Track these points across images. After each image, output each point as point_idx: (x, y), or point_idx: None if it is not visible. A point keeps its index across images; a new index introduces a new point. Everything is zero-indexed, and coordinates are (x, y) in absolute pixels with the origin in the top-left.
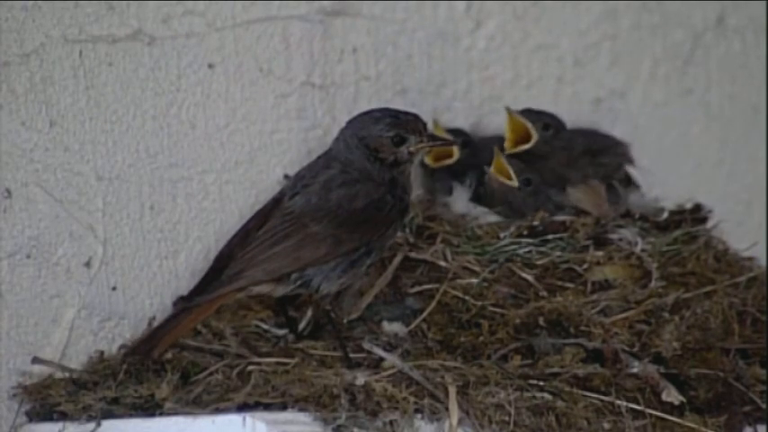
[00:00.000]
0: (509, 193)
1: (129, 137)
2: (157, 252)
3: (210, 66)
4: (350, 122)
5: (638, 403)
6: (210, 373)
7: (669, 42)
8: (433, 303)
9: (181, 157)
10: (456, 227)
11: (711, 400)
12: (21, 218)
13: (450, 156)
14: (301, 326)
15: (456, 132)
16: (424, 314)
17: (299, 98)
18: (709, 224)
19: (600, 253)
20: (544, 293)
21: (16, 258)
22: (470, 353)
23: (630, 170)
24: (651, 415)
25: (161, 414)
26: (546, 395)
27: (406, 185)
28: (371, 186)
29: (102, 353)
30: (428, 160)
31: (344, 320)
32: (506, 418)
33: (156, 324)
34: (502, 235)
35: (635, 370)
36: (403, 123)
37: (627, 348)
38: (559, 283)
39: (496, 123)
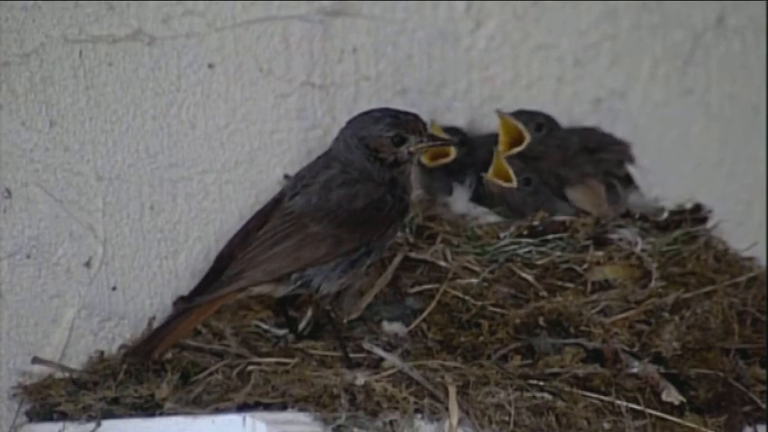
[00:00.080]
0: (508, 194)
1: (129, 137)
2: (157, 252)
3: (210, 66)
4: (350, 122)
5: (638, 403)
6: (210, 373)
7: (669, 42)
8: (433, 303)
9: (181, 157)
10: (456, 227)
11: (711, 400)
12: (21, 218)
13: (447, 155)
14: (301, 326)
15: (453, 131)
16: (424, 314)
17: (299, 98)
18: (710, 224)
19: (600, 253)
20: (544, 293)
21: (16, 258)
22: (470, 353)
23: (630, 170)
24: (651, 415)
25: (161, 414)
26: (546, 395)
27: (406, 185)
28: (371, 186)
29: (102, 353)
30: (425, 159)
31: (344, 320)
32: (506, 418)
33: (156, 324)
34: (502, 235)
35: (635, 370)
36: (403, 123)
37: (627, 348)
38: (559, 283)
39: (494, 123)
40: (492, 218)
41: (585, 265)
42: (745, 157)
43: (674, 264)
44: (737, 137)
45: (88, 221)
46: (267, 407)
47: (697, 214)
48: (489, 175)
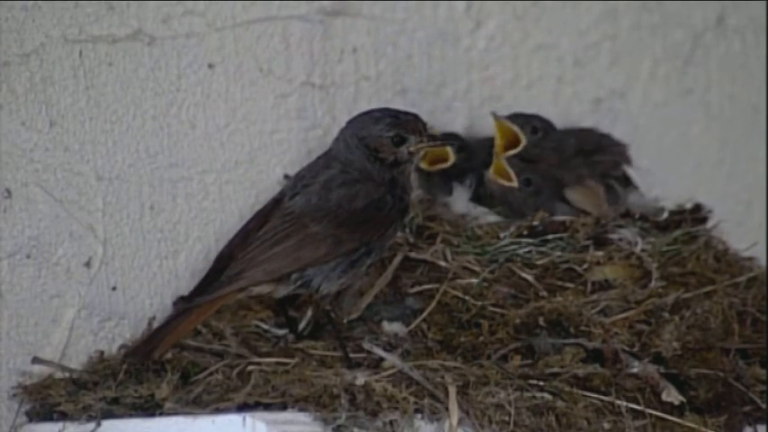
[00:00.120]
0: (509, 194)
1: (129, 137)
2: (157, 252)
3: (210, 66)
4: (350, 122)
5: (638, 403)
6: (210, 373)
7: (669, 42)
8: (433, 303)
9: (181, 157)
10: (456, 227)
11: (711, 400)
12: (21, 218)
13: (446, 160)
14: (301, 326)
15: (451, 137)
16: (424, 314)
17: (299, 98)
18: (710, 224)
19: (600, 253)
20: (544, 293)
21: (16, 258)
22: (470, 353)
23: (629, 170)
24: (651, 415)
25: (161, 414)
26: (546, 395)
27: (406, 185)
28: (371, 186)
29: (102, 353)
30: (423, 164)
31: (344, 320)
32: (506, 418)
33: (156, 324)
34: (502, 235)
35: (635, 370)
36: (403, 123)
37: (627, 348)
38: (559, 283)
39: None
40: (492, 218)
41: (585, 265)
42: (745, 157)
43: (674, 264)
44: (737, 137)
45: (88, 221)
46: (267, 407)
47: (697, 214)
48: (491, 173)
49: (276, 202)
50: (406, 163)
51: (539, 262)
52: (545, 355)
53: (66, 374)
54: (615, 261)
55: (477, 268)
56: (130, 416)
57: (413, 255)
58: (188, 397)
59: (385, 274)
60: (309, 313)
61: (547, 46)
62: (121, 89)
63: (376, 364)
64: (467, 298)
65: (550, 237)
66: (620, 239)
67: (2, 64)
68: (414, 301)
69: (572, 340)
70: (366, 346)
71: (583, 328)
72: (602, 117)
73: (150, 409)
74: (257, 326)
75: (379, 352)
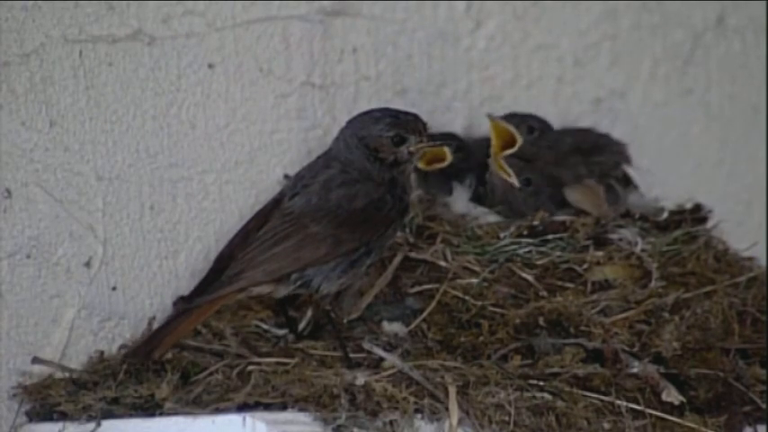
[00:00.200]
0: (509, 193)
1: (129, 137)
2: (157, 252)
3: (210, 66)
4: (350, 122)
5: (638, 403)
6: (210, 373)
7: (669, 42)
8: (433, 303)
9: (181, 157)
10: (456, 227)
11: (711, 400)
12: (21, 218)
13: (443, 159)
14: (301, 326)
15: (449, 137)
16: (424, 314)
17: (299, 98)
18: (710, 224)
19: (600, 253)
20: (544, 293)
21: (16, 258)
22: (470, 353)
23: (629, 170)
24: (651, 415)
25: (161, 414)
26: (546, 395)
27: (405, 185)
28: (371, 186)
29: (102, 353)
30: (420, 164)
31: (344, 320)
32: (506, 418)
33: (156, 324)
34: (502, 235)
35: (635, 370)
36: (403, 123)
37: (627, 348)
38: (559, 283)
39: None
40: (492, 218)
41: (585, 265)
42: (745, 157)
43: (674, 264)
44: (737, 137)
45: (88, 221)
46: (267, 407)
47: (697, 214)
48: (494, 167)
49: (276, 202)
50: (405, 163)
51: (539, 262)
52: (545, 355)
53: (66, 374)
54: (615, 261)
55: (477, 268)
56: (130, 416)
57: (413, 255)
58: (188, 397)
59: (385, 274)
60: (309, 313)
61: (547, 46)
62: (121, 89)
63: (376, 364)
64: (467, 298)
65: (550, 237)
66: (620, 239)
67: (2, 64)
68: (414, 301)
69: (572, 340)
70: (366, 346)
71: (583, 328)
72: (602, 117)
73: (150, 409)
74: (257, 326)
75: (379, 352)
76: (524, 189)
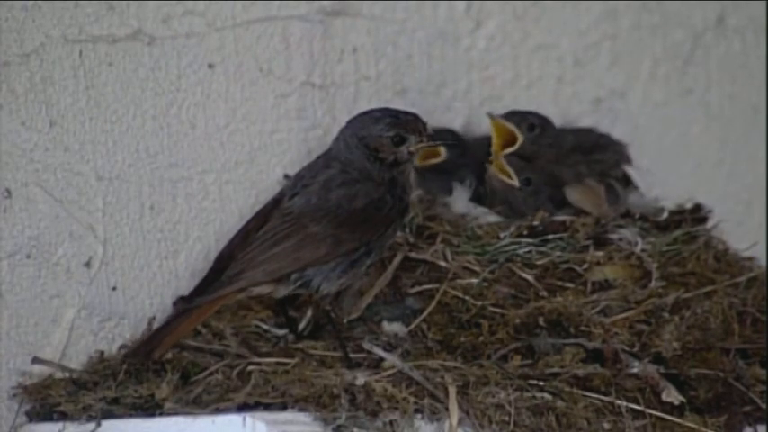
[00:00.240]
0: (509, 193)
1: (129, 137)
2: (157, 252)
3: (210, 66)
4: (350, 122)
5: (638, 403)
6: (210, 373)
7: (669, 42)
8: (433, 303)
9: (181, 157)
10: (456, 227)
11: (711, 400)
12: (21, 218)
13: (438, 155)
14: (301, 326)
15: (445, 132)
16: (424, 314)
17: (299, 98)
18: (710, 224)
19: (600, 253)
20: (544, 293)
21: (16, 258)
22: (470, 353)
23: (629, 170)
24: (651, 415)
25: (161, 414)
26: (546, 395)
27: (405, 185)
28: (371, 186)
29: (102, 353)
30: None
31: (344, 320)
32: (506, 418)
33: (156, 324)
34: (502, 235)
35: (635, 370)
36: (403, 123)
37: (627, 348)
38: (559, 283)
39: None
40: (492, 218)
41: (585, 265)
42: (745, 157)
43: (674, 264)
44: (737, 137)
45: (88, 221)
46: (267, 407)
47: (697, 214)
48: (492, 170)
49: (276, 202)
50: (406, 163)
51: (539, 262)
52: (545, 355)
53: (66, 374)
54: (615, 261)
55: (477, 268)
56: (130, 416)
57: (413, 255)
58: (188, 397)
59: (385, 274)
60: (309, 313)
61: (547, 46)
62: (121, 89)
63: (376, 364)
64: (467, 298)
65: (550, 237)
66: (620, 239)
67: (2, 64)
68: (414, 301)
69: (572, 340)
70: (366, 346)
71: (583, 328)
72: (602, 117)
73: (150, 409)
74: (257, 326)
75: (379, 352)
76: (524, 189)
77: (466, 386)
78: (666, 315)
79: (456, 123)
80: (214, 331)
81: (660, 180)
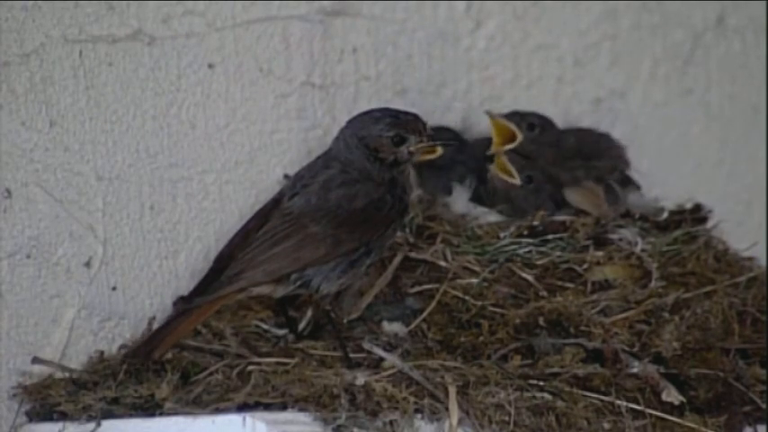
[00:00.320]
0: (511, 191)
1: (129, 137)
2: (157, 252)
3: (210, 66)
4: (350, 122)
5: (638, 403)
6: (210, 373)
7: (669, 42)
8: (433, 303)
9: (181, 157)
10: (456, 227)
11: (711, 400)
12: (21, 218)
13: (434, 151)
14: (301, 326)
15: (443, 130)
16: (424, 314)
17: (299, 98)
18: (710, 224)
19: (600, 253)
20: (544, 293)
21: (16, 258)
22: (470, 353)
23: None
24: (651, 415)
25: (161, 414)
26: (546, 395)
27: (405, 185)
28: (371, 186)
29: (102, 353)
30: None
31: (344, 320)
32: (506, 418)
33: (156, 324)
34: (502, 235)
35: (635, 370)
36: (403, 123)
37: (627, 348)
38: (559, 283)
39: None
40: (492, 218)
41: (585, 265)
42: (745, 157)
43: (674, 264)
44: (737, 137)
45: (88, 221)
46: (267, 407)
47: (697, 214)
48: (494, 170)
49: (275, 202)
50: (405, 163)
51: (539, 262)
52: (545, 355)
53: (66, 374)
54: (615, 261)
55: (477, 268)
56: (130, 416)
57: (413, 255)
58: (188, 397)
59: (385, 274)
60: (309, 313)
61: (547, 46)
62: (121, 89)
63: (376, 364)
64: (467, 298)
65: (550, 237)
66: (620, 239)
67: (2, 64)
68: (414, 301)
69: (572, 340)
70: (366, 346)
71: (583, 328)
72: (602, 117)
73: (150, 409)
74: (257, 326)
75: (379, 352)
76: (526, 187)
77: (466, 386)
78: (666, 315)
79: (456, 123)
80: (214, 331)
81: (660, 180)
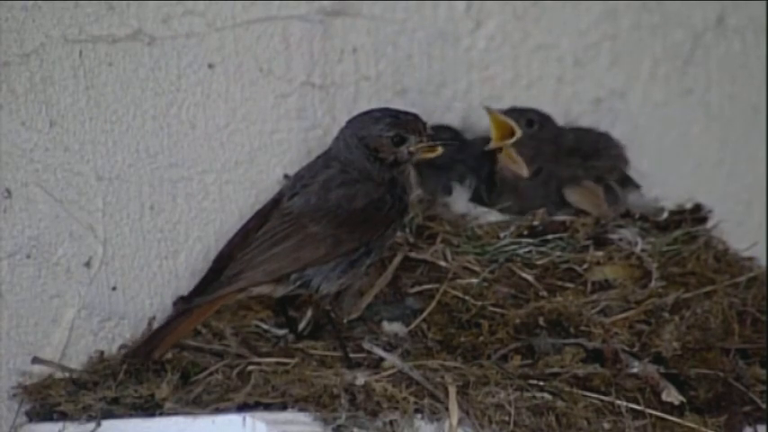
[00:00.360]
0: (519, 183)
1: (129, 137)
2: (157, 252)
3: (210, 66)
4: (350, 122)
5: (638, 403)
6: (210, 373)
7: (669, 42)
8: (433, 303)
9: (181, 157)
10: (456, 227)
11: (711, 400)
12: (21, 218)
13: (433, 151)
14: (301, 326)
15: (443, 129)
16: (424, 314)
17: (299, 98)
18: (710, 224)
19: (600, 253)
20: (544, 293)
21: (16, 258)
22: (470, 353)
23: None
24: (651, 415)
25: (161, 414)
26: (546, 395)
27: (405, 185)
28: (371, 186)
29: (102, 353)
30: None
31: (344, 320)
32: (506, 418)
33: (156, 324)
34: (502, 235)
35: (635, 370)
36: (403, 123)
37: (627, 348)
38: (559, 283)
39: (487, 122)
40: (492, 218)
41: (585, 265)
42: (745, 157)
43: (674, 264)
44: (737, 137)
45: (88, 221)
46: (267, 407)
47: (697, 214)
48: (502, 160)
49: (275, 202)
50: (405, 163)
51: (539, 262)
52: (545, 355)
53: (66, 374)
54: (615, 261)
55: (477, 268)
56: (130, 416)
57: (413, 255)
58: (188, 397)
59: (385, 274)
60: (309, 313)
61: (547, 46)
62: (121, 89)
63: (376, 364)
64: (467, 298)
65: (550, 237)
66: (620, 239)
67: (2, 64)
68: (414, 301)
69: (572, 340)
70: (366, 346)
71: (583, 328)
72: (602, 117)
73: (150, 409)
74: (257, 326)
75: (379, 352)
76: (534, 178)
77: (466, 386)
78: (666, 315)
79: (456, 123)
80: (214, 331)
81: (660, 180)
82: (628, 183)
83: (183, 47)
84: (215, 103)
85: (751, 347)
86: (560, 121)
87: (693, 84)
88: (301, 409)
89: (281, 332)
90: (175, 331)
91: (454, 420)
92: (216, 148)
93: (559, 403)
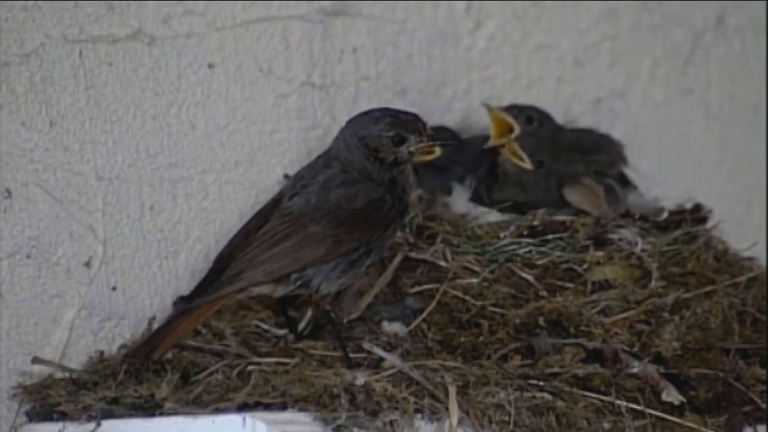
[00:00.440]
0: (523, 175)
1: (129, 137)
2: (157, 252)
3: (210, 66)
4: (350, 122)
5: (638, 403)
6: (210, 373)
7: (669, 42)
8: (433, 303)
9: (181, 157)
10: (456, 227)
11: (711, 400)
12: (21, 218)
13: (433, 151)
14: (301, 326)
15: (441, 130)
16: (424, 314)
17: (299, 98)
18: (710, 224)
19: (600, 253)
20: (544, 293)
21: (16, 258)
22: (470, 353)
23: (626, 170)
24: (651, 415)
25: (161, 414)
26: (546, 395)
27: (405, 185)
28: (371, 186)
29: (102, 353)
30: None
31: (344, 320)
32: (506, 418)
33: (156, 324)
34: (502, 235)
35: (635, 370)
36: (403, 123)
37: (627, 348)
38: (559, 283)
39: (487, 122)
40: (492, 218)
41: (585, 265)
42: (745, 157)
43: (674, 264)
44: (737, 137)
45: (88, 221)
46: (267, 407)
47: (697, 214)
48: (505, 154)
49: (275, 202)
50: (405, 163)
51: (539, 262)
52: (545, 355)
53: (66, 374)
54: (615, 261)
55: (477, 268)
56: (130, 416)
57: (413, 255)
58: (188, 397)
59: (385, 274)
60: (309, 313)
61: (547, 46)
62: (121, 89)
63: (376, 364)
64: (467, 298)
65: (550, 237)
66: (620, 239)
67: (2, 64)
68: (414, 301)
69: (572, 340)
70: (366, 346)
71: (583, 328)
72: (602, 117)
73: (150, 409)
74: (257, 326)
75: (379, 352)
76: (537, 171)
77: (466, 386)
78: (666, 315)
79: (456, 123)
80: (214, 331)
81: (660, 180)
82: (626, 183)
83: (183, 47)
84: (215, 103)
85: (751, 347)
86: (560, 121)
87: (693, 84)
88: (301, 409)
89: (281, 332)
90: (175, 331)
91: (454, 420)
92: (216, 148)
93: (559, 403)
